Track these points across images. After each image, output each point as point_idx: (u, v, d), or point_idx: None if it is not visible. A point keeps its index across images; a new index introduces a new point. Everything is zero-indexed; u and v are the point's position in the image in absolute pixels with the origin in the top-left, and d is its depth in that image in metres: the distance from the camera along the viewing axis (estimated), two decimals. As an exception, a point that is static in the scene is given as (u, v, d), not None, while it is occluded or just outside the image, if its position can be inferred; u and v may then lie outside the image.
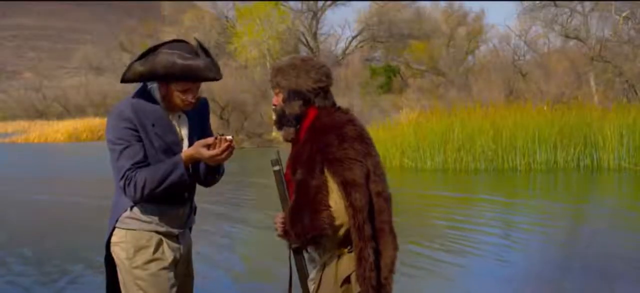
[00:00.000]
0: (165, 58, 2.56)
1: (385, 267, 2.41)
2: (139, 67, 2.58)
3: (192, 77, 2.60)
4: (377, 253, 2.40)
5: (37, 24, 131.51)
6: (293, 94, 2.49)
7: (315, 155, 2.40)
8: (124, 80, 2.62)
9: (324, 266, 2.51)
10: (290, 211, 2.45)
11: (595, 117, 15.95)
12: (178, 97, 2.63)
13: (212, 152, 2.55)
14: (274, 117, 2.59)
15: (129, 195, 2.61)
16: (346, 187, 2.35)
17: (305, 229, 2.40)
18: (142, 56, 2.61)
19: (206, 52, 2.64)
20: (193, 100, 2.65)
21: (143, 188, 2.56)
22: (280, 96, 2.54)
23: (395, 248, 2.46)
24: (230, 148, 2.56)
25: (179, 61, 2.55)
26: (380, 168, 2.48)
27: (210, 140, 2.56)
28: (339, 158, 2.37)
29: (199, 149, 2.57)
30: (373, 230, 2.39)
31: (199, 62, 2.58)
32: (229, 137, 2.56)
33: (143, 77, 2.61)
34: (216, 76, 2.62)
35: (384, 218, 2.43)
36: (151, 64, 2.57)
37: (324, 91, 2.53)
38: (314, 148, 2.42)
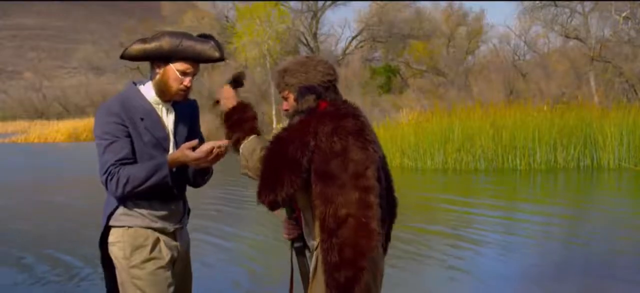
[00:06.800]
0: (171, 38, 2.59)
1: (349, 263, 2.30)
2: (143, 45, 2.59)
3: (197, 56, 2.61)
4: (344, 246, 2.30)
5: (37, 24, 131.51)
6: (305, 90, 2.47)
7: (308, 128, 2.38)
8: (125, 56, 2.63)
9: (317, 255, 2.48)
10: (264, 165, 2.39)
11: (595, 117, 15.95)
12: (175, 80, 2.62)
13: (196, 156, 2.54)
14: (288, 121, 2.55)
15: (110, 191, 2.60)
16: (318, 176, 2.34)
17: (275, 193, 2.37)
18: (143, 40, 2.63)
19: (209, 37, 2.67)
20: (189, 85, 2.65)
21: (125, 185, 2.55)
22: (290, 98, 2.52)
23: (371, 245, 2.33)
24: (216, 154, 2.55)
25: (185, 41, 2.59)
26: (376, 165, 2.43)
27: (194, 142, 2.56)
28: (323, 148, 2.35)
29: (185, 152, 2.56)
30: (347, 223, 2.30)
31: (205, 44, 2.61)
32: (220, 143, 2.54)
33: (147, 53, 2.60)
34: (221, 56, 2.63)
35: (368, 214, 2.32)
36: (157, 42, 2.58)
37: (333, 85, 2.53)
38: (310, 124, 2.39)
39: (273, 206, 2.40)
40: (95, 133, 2.62)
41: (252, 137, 2.52)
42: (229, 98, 2.59)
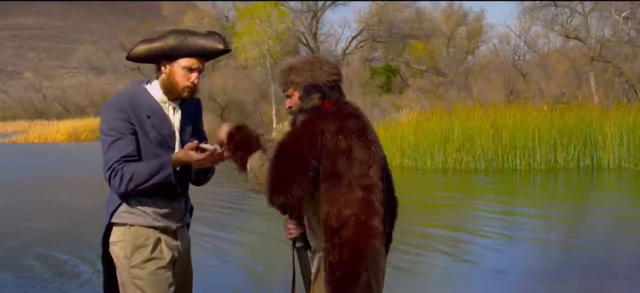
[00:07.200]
0: (176, 35, 2.62)
1: (347, 263, 2.30)
2: (149, 45, 2.62)
3: (202, 50, 2.63)
4: (345, 246, 2.30)
5: (37, 24, 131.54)
6: (311, 88, 2.47)
7: (314, 128, 2.38)
8: (131, 56, 2.66)
9: (320, 257, 2.48)
10: (274, 168, 2.39)
11: (595, 117, 15.95)
12: (182, 77, 2.65)
13: (199, 157, 2.57)
14: (291, 118, 2.56)
15: (113, 187, 2.61)
16: (324, 175, 2.35)
17: (288, 192, 2.36)
18: (149, 40, 2.66)
19: (213, 33, 2.70)
20: (196, 81, 2.67)
21: (128, 182, 2.56)
22: (295, 95, 2.52)
23: (371, 244, 2.33)
24: (218, 155, 2.57)
25: (190, 37, 2.62)
26: (379, 164, 2.43)
27: (195, 144, 2.58)
28: (328, 146, 2.35)
29: (188, 152, 2.58)
30: (349, 223, 2.30)
31: (209, 37, 2.65)
32: (218, 146, 2.58)
33: (153, 52, 2.63)
34: (226, 48, 2.66)
35: (368, 213, 2.32)
36: (162, 40, 2.61)
37: (338, 86, 2.53)
38: (315, 124, 2.40)
39: (284, 209, 2.42)
40: (101, 129, 2.63)
41: (258, 152, 2.52)
42: (226, 126, 2.60)
